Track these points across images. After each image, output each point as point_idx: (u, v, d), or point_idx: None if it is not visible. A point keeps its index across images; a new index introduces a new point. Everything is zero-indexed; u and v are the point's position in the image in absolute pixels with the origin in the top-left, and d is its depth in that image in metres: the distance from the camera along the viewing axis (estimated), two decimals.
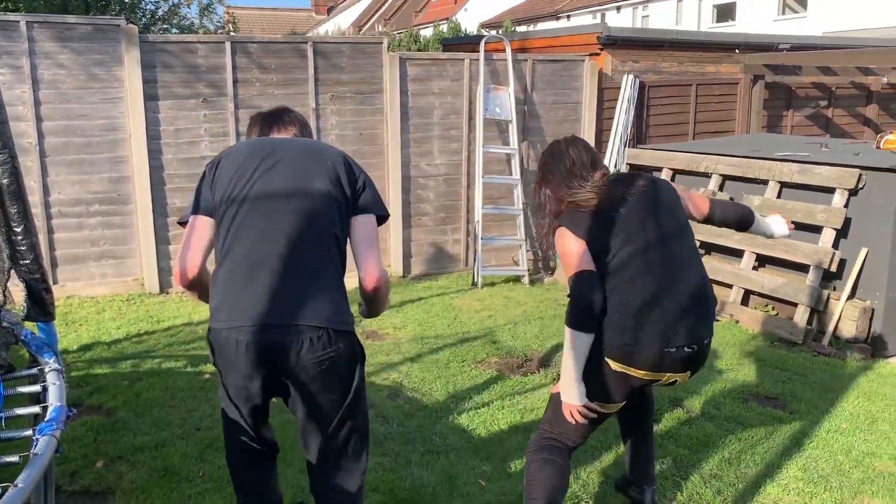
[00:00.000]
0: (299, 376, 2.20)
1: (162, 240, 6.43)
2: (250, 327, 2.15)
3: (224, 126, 6.49)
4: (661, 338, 2.51)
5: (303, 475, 3.27)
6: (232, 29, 15.46)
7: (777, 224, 3.18)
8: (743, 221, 3.03)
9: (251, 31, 28.11)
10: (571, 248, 2.55)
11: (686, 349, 2.55)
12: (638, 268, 2.53)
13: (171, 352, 4.99)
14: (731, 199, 6.16)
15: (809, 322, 5.43)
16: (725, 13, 25.74)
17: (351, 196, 2.32)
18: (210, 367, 4.64)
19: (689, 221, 2.76)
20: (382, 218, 2.41)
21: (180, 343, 5.20)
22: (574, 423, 2.63)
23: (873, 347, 5.21)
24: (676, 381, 2.65)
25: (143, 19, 12.13)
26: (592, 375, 2.57)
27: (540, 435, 2.78)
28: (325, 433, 2.31)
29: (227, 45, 6.41)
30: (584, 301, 2.48)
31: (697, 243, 6.44)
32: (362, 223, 2.35)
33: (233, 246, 2.23)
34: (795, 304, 5.53)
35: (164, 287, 6.47)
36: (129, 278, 6.43)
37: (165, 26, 12.61)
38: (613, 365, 2.54)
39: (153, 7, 12.39)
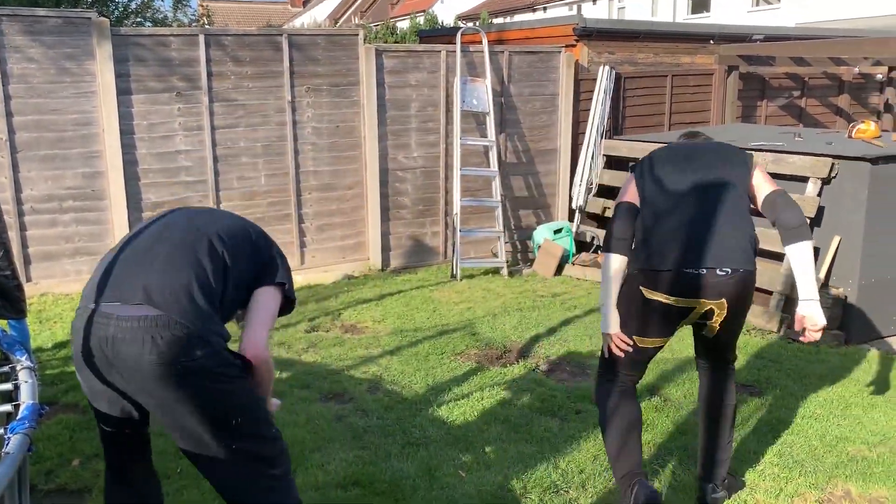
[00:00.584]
0: None
1: None
2: None
3: (199, 120, 6.43)
4: (679, 259, 2.74)
5: None
6: (206, 22, 15.30)
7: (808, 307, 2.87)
8: (783, 233, 2.84)
9: (226, 24, 27.85)
10: (624, 186, 3.00)
11: (704, 270, 2.72)
12: (668, 202, 2.85)
13: None
14: None
15: (784, 310, 5.49)
16: (700, 4, 25.89)
17: None
18: None
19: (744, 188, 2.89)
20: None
21: None
22: (617, 353, 2.88)
23: (846, 334, 5.29)
24: (714, 312, 2.79)
25: (116, 12, 11.97)
26: (628, 304, 2.86)
27: (597, 383, 3.06)
28: None
29: (201, 38, 6.34)
30: (610, 226, 2.92)
31: None
32: None
33: None
34: (770, 293, 5.60)
35: None
36: None
37: (139, 20, 12.46)
38: (645, 292, 2.81)
39: (126, 0, 12.24)
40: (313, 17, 33.11)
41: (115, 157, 6.18)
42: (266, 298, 2.28)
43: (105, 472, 2.39)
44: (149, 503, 2.41)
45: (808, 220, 5.43)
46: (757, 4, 23.78)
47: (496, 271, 7.19)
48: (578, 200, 7.68)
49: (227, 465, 2.17)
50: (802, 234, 2.77)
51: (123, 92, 6.16)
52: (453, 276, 6.97)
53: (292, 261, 6.85)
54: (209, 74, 6.39)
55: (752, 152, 4.67)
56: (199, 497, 3.10)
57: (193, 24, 13.30)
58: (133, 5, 12.32)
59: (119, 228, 6.25)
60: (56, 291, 6.17)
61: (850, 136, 6.19)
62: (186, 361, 2.03)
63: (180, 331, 2.02)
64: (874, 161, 5.15)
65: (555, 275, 7.11)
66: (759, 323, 5.51)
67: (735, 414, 3.13)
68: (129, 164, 6.26)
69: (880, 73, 8.75)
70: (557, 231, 7.42)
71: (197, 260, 2.16)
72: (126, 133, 6.21)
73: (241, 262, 2.26)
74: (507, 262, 7.23)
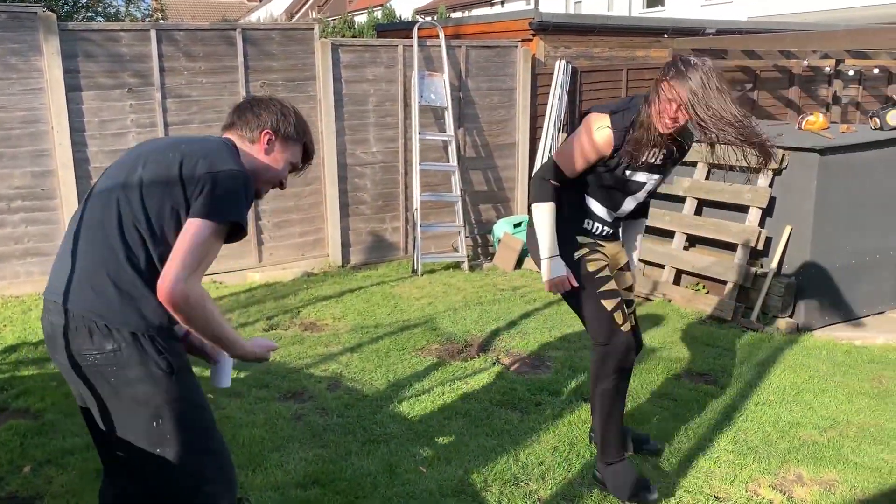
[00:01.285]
0: None
1: None
2: None
3: (151, 116, 6.31)
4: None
5: (240, 471, 3.23)
6: (160, 17, 15.03)
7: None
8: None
9: (181, 18, 27.38)
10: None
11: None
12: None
13: None
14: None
15: (738, 299, 5.60)
16: None
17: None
18: None
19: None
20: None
21: None
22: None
23: (798, 321, 5.41)
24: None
25: (66, 7, 11.70)
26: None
27: (597, 355, 3.09)
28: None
29: (153, 34, 6.22)
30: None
31: None
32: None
33: None
34: (725, 283, 5.70)
35: None
36: None
37: (90, 14, 12.19)
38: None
39: None
40: (269, 12, 32.72)
41: (66, 155, 6.04)
42: (189, 228, 1.96)
43: None
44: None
45: (761, 211, 5.56)
46: None
47: (457, 266, 7.20)
48: None
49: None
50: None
51: (73, 88, 6.01)
52: (414, 272, 6.96)
53: (249, 259, 6.78)
54: (161, 70, 6.28)
55: None
56: None
57: (147, 19, 13.06)
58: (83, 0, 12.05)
59: None
60: (6, 294, 6.02)
61: (799, 128, 6.32)
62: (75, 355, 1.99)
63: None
64: (823, 152, 5.27)
65: (515, 268, 7.14)
66: (715, 312, 5.61)
67: (601, 400, 3.09)
68: (81, 162, 6.12)
69: (828, 66, 8.96)
70: (517, 225, 7.46)
71: (104, 237, 2.01)
72: (76, 130, 6.07)
73: (157, 211, 2.00)
74: (468, 256, 7.24)
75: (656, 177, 3.04)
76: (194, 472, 2.06)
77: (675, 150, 2.99)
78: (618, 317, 3.02)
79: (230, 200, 2.01)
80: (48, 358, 4.67)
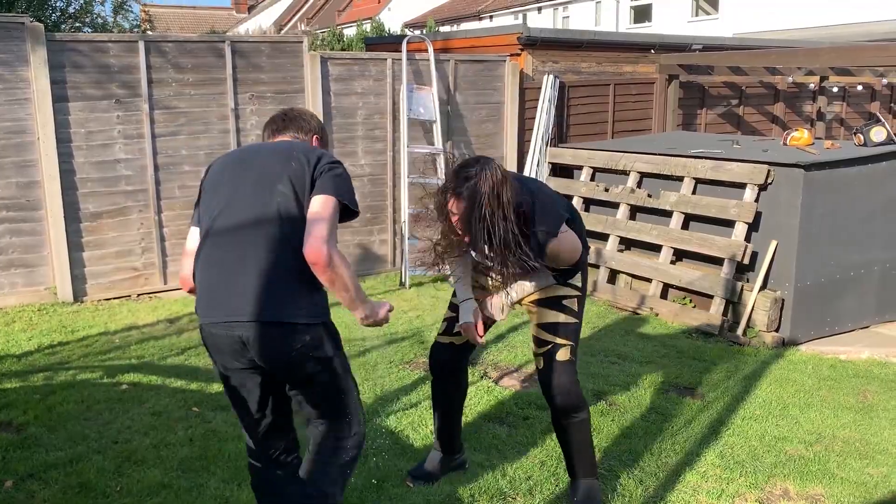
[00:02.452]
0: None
1: (75, 246, 6.18)
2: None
3: (139, 128, 6.29)
4: None
5: (226, 485, 3.20)
6: (148, 28, 15.01)
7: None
8: None
9: (169, 29, 27.36)
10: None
11: None
12: None
13: (87, 363, 4.80)
14: (649, 195, 6.34)
15: (725, 313, 5.63)
16: (642, 14, 26.44)
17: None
18: (128, 377, 4.49)
19: None
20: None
21: (96, 353, 5.01)
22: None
23: (784, 336, 5.44)
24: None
25: (53, 17, 11.67)
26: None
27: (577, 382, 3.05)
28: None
29: (141, 45, 6.21)
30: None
31: (618, 239, 6.58)
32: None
33: None
34: (711, 297, 5.73)
35: (78, 296, 6.22)
36: (41, 287, 6.16)
37: (77, 24, 12.16)
38: None
39: (63, 5, 11.92)
40: (259, 24, 32.74)
41: (52, 165, 6.00)
42: (316, 202, 2.30)
43: None
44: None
45: (747, 225, 5.60)
46: (696, 15, 24.40)
47: (445, 279, 7.20)
48: None
49: None
50: None
51: (60, 99, 5.99)
52: (402, 284, 6.95)
53: None
54: (149, 81, 6.26)
55: None
56: None
57: (135, 30, 13.04)
58: (71, 10, 12.02)
59: (55, 240, 6.07)
60: None
61: (784, 144, 6.39)
62: None
63: None
64: (808, 168, 5.32)
65: None
66: (701, 326, 5.63)
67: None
68: (67, 173, 6.08)
69: (812, 82, 9.06)
70: None
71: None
72: (63, 141, 6.04)
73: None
74: None
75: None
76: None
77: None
78: (440, 327, 3.30)
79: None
80: (32, 370, 4.64)
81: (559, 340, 2.98)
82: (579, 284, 3.07)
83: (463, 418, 3.99)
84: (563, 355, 2.97)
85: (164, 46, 6.34)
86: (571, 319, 3.02)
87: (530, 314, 3.10)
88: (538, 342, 3.04)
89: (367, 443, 3.66)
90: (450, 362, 3.27)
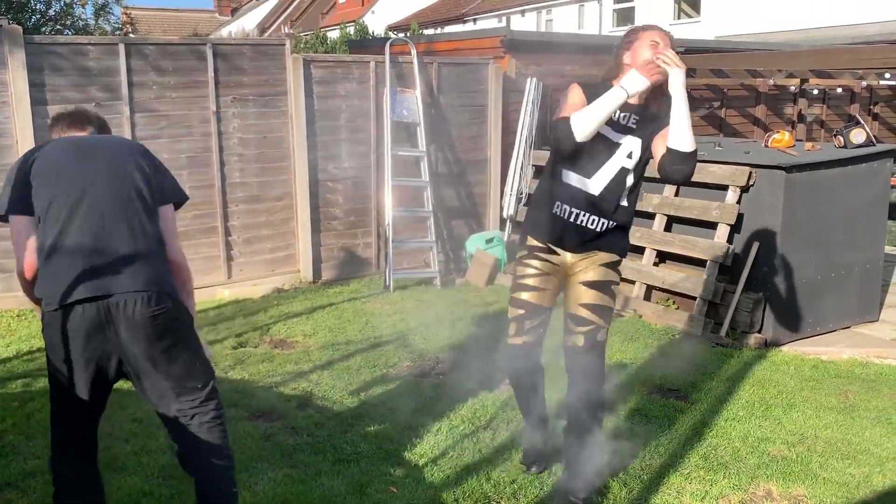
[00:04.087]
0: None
1: None
2: None
3: (119, 131, 6.21)
4: None
5: None
6: (130, 30, 14.88)
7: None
8: None
9: (151, 32, 27.17)
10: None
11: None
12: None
13: None
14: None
15: (708, 315, 5.65)
16: (625, 17, 26.57)
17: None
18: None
19: None
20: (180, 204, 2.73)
21: None
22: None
23: (766, 337, 5.47)
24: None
25: (33, 19, 11.54)
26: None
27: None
28: None
29: (121, 48, 6.16)
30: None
31: None
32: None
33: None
34: (694, 298, 5.75)
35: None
36: (19, 293, 6.05)
37: (58, 27, 12.03)
38: None
39: (43, 7, 11.79)
40: (242, 26, 32.58)
41: None
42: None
43: None
44: None
45: (729, 227, 5.63)
46: (678, 17, 24.55)
47: (429, 282, 7.18)
48: (509, 210, 7.74)
49: None
50: None
51: (39, 102, 5.92)
52: (386, 288, 6.93)
53: (218, 275, 6.70)
54: (130, 84, 6.20)
55: None
56: None
57: (117, 32, 12.92)
58: (52, 12, 11.89)
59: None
60: None
61: (766, 146, 6.43)
62: None
63: None
64: (789, 169, 5.35)
65: (487, 284, 7.14)
66: (685, 328, 5.65)
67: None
68: None
69: (793, 85, 9.14)
70: (489, 240, 7.47)
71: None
72: None
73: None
74: (440, 272, 7.23)
75: (627, 142, 3.04)
76: None
77: (646, 117, 3.08)
78: (511, 327, 3.24)
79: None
80: (10, 377, 4.57)
81: (602, 322, 3.14)
82: (621, 275, 3.29)
83: (447, 421, 3.98)
84: (602, 336, 3.15)
85: (145, 49, 6.29)
86: (613, 305, 3.22)
87: (570, 292, 3.18)
88: (579, 321, 3.14)
89: (350, 448, 3.64)
90: (528, 363, 3.30)
